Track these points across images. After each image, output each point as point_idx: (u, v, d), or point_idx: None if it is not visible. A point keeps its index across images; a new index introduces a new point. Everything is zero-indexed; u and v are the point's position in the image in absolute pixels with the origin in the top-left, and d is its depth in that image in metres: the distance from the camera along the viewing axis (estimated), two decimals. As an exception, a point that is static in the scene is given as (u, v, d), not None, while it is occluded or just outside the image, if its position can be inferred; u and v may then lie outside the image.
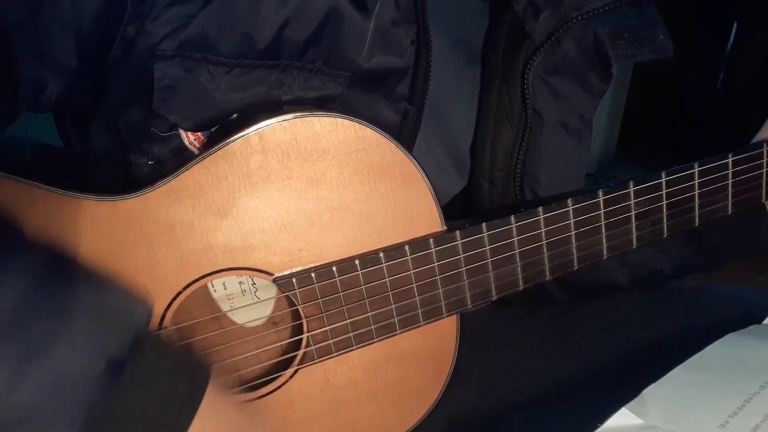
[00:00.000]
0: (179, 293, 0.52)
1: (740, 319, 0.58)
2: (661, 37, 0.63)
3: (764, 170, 0.67)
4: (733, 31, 1.96)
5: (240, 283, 0.57)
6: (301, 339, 0.56)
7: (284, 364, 0.57)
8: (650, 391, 0.48)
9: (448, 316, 0.59)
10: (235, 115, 0.53)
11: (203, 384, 0.44)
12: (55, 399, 0.38)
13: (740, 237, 0.72)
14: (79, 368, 0.39)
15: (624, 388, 0.48)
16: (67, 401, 0.38)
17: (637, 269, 0.71)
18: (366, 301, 0.55)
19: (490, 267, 0.58)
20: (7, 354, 0.37)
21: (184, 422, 0.42)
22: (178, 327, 0.55)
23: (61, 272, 0.42)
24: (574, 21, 0.60)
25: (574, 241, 0.60)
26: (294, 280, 0.53)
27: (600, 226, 0.61)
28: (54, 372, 0.38)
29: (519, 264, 0.59)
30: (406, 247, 0.55)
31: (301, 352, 0.56)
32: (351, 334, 0.56)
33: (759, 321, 0.59)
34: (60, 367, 0.38)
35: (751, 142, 0.69)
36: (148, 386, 0.42)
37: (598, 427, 0.45)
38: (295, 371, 0.56)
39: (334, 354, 0.56)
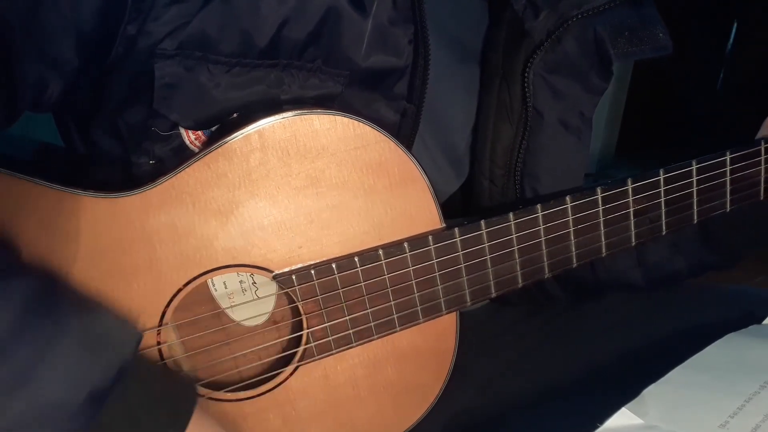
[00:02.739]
0: (179, 290, 0.52)
1: (740, 319, 0.58)
2: (660, 35, 0.63)
3: (762, 167, 0.67)
4: (733, 31, 1.96)
5: (240, 281, 0.57)
6: (300, 336, 0.56)
7: (284, 362, 0.57)
8: (650, 391, 0.48)
9: (447, 313, 0.59)
10: (235, 114, 0.53)
11: (188, 414, 0.45)
12: (36, 426, 0.39)
13: (755, 234, 0.72)
14: (61, 398, 0.40)
15: (624, 388, 0.48)
16: (46, 429, 0.39)
17: (654, 269, 0.71)
18: (365, 298, 0.55)
19: (489, 264, 0.58)
20: None
21: None
22: (177, 324, 0.55)
23: (51, 298, 0.43)
24: (574, 20, 0.60)
25: (572, 238, 0.60)
26: (294, 277, 0.53)
27: (598, 223, 0.61)
28: (36, 400, 0.39)
29: (518, 261, 0.59)
30: (405, 245, 0.55)
31: (300, 349, 0.56)
32: (351, 331, 0.56)
33: (759, 321, 0.59)
34: (42, 397, 0.39)
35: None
36: (132, 417, 0.43)
37: (598, 427, 0.45)
38: (295, 368, 0.57)
39: (334, 351, 0.56)
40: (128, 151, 0.53)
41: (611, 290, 0.73)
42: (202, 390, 0.55)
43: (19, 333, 0.39)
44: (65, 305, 0.43)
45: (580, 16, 0.60)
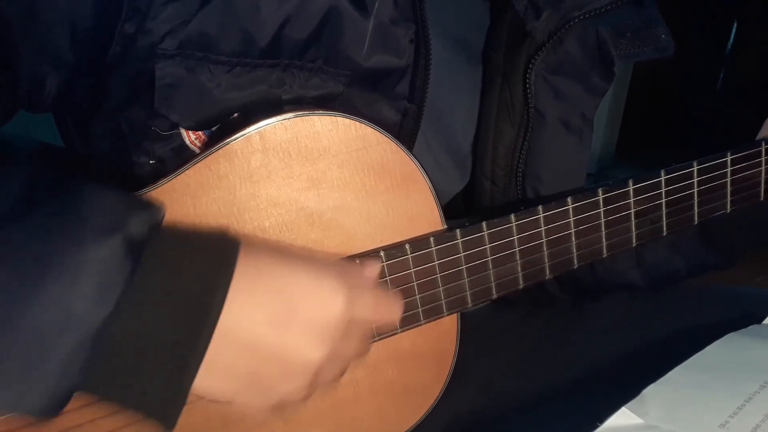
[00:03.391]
0: (180, 292, 0.52)
1: (740, 319, 0.58)
2: (662, 36, 0.63)
3: (763, 168, 0.67)
4: (733, 31, 1.96)
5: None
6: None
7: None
8: (650, 391, 0.48)
9: (448, 314, 0.59)
10: (236, 114, 0.53)
11: (233, 256, 0.42)
12: (82, 280, 0.37)
13: (754, 234, 0.73)
14: (102, 252, 0.37)
15: (624, 388, 0.48)
16: (93, 282, 0.37)
17: (653, 269, 0.71)
18: (366, 300, 0.55)
19: (491, 265, 0.58)
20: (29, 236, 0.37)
21: (218, 302, 0.40)
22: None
23: (59, 173, 0.41)
24: (576, 20, 0.60)
25: (573, 239, 0.60)
26: (294, 278, 0.53)
27: (600, 224, 0.61)
28: (77, 255, 0.37)
29: (519, 262, 0.59)
30: (407, 246, 0.55)
31: (301, 351, 0.56)
32: (351, 333, 0.56)
33: (759, 321, 0.59)
34: (79, 249, 0.37)
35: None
36: (174, 265, 0.40)
37: (598, 427, 0.45)
38: (296, 370, 0.57)
39: (335, 353, 0.56)
40: (128, 150, 0.53)
41: (611, 290, 0.74)
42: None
43: (37, 194, 0.38)
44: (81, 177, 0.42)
45: (582, 17, 0.60)
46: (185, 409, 0.41)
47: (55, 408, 0.38)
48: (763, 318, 0.60)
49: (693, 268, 0.73)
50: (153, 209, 0.41)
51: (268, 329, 0.42)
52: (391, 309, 0.50)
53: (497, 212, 0.58)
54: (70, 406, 0.39)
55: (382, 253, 0.54)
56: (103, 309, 0.37)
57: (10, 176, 0.39)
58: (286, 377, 0.44)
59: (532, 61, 0.61)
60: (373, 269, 0.50)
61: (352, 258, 0.54)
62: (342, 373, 0.49)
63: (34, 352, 0.36)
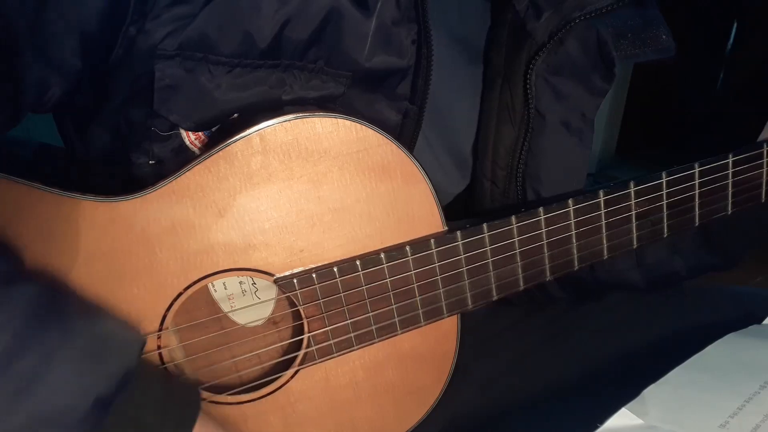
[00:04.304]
0: (180, 294, 0.52)
1: (740, 319, 0.58)
2: (663, 36, 0.63)
3: (764, 170, 0.67)
4: (733, 31, 1.96)
5: (240, 283, 0.57)
6: (301, 339, 0.56)
7: (285, 365, 0.57)
8: (650, 391, 0.48)
9: (448, 316, 0.59)
10: (236, 115, 0.53)
11: (192, 418, 0.45)
12: None
13: (754, 235, 0.73)
14: (67, 405, 0.40)
15: (624, 388, 0.48)
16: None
17: (653, 270, 0.71)
18: (367, 301, 0.55)
19: (491, 267, 0.58)
20: None
21: None
22: (178, 328, 0.55)
23: (54, 304, 0.43)
24: (577, 21, 0.60)
25: (574, 241, 0.60)
26: (295, 280, 0.53)
27: (600, 226, 0.61)
28: (42, 407, 0.39)
29: (519, 264, 0.59)
30: (407, 248, 0.55)
31: (301, 353, 0.56)
32: (352, 335, 0.56)
33: (759, 321, 0.59)
34: (48, 404, 0.39)
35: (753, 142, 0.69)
36: (138, 422, 0.43)
37: (598, 427, 0.45)
38: (296, 372, 0.57)
39: (335, 354, 0.56)
40: (128, 151, 0.53)
41: (611, 291, 0.73)
42: (203, 393, 0.55)
43: (24, 340, 0.39)
44: (69, 311, 0.43)
45: (582, 18, 0.60)
46: None
47: None
48: (763, 318, 0.60)
49: (693, 269, 0.73)
50: (129, 357, 0.44)
51: None
52: None
53: (498, 214, 0.58)
54: None
55: (382, 255, 0.54)
56: None
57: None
58: None
59: (533, 61, 0.61)
60: None
61: (353, 260, 0.54)
62: None
63: None
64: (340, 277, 0.54)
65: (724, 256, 0.73)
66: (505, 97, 0.63)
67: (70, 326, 0.42)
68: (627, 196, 0.61)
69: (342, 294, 0.54)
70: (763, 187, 0.68)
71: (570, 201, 0.59)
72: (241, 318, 0.58)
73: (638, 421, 0.46)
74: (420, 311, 0.57)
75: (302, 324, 0.55)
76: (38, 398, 0.39)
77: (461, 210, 0.69)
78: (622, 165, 2.02)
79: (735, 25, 1.96)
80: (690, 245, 0.71)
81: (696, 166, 0.63)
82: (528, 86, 0.61)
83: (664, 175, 0.62)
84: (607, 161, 2.01)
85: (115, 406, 0.41)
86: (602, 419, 0.46)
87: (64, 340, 0.41)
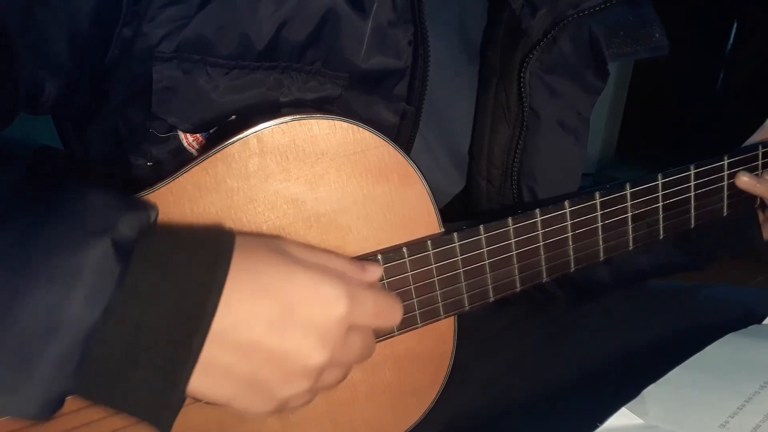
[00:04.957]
0: (178, 295, 0.52)
1: (740, 319, 0.58)
2: (656, 35, 0.63)
3: (759, 172, 0.67)
4: (733, 31, 1.96)
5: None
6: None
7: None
8: (650, 391, 0.48)
9: (445, 317, 0.59)
10: (233, 117, 0.53)
11: (226, 260, 0.41)
12: (69, 284, 0.36)
13: (729, 237, 0.73)
14: (90, 256, 0.37)
15: (624, 388, 0.47)
16: (80, 286, 0.37)
17: (621, 267, 0.71)
18: (364, 302, 0.55)
19: (488, 269, 0.58)
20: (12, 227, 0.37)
21: (213, 302, 0.39)
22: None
23: (49, 174, 0.41)
24: (570, 19, 0.60)
25: (571, 243, 0.60)
26: (292, 281, 0.53)
27: (597, 228, 0.61)
28: (62, 260, 0.37)
29: (516, 266, 0.59)
30: (404, 249, 0.55)
31: (299, 354, 0.56)
32: (349, 336, 0.56)
33: (759, 321, 0.59)
34: (67, 251, 0.37)
35: (746, 144, 0.69)
36: (164, 266, 0.39)
37: (598, 427, 0.45)
38: (294, 373, 0.56)
39: (333, 355, 0.56)
40: (126, 152, 0.53)
41: (582, 288, 0.73)
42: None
43: (22, 196, 0.38)
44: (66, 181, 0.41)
45: (575, 16, 0.60)
46: (181, 411, 0.40)
47: (48, 411, 0.38)
48: (763, 318, 0.59)
49: (661, 267, 0.73)
50: (143, 210, 0.40)
51: (268, 331, 0.41)
52: (392, 313, 0.48)
53: (494, 216, 0.58)
54: (66, 408, 0.39)
55: (379, 257, 0.54)
56: (92, 313, 0.37)
57: None
58: (287, 381, 0.43)
59: (527, 59, 0.61)
60: (374, 272, 0.49)
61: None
62: (344, 377, 0.49)
63: (24, 357, 0.36)
64: (337, 278, 0.54)
65: (696, 256, 0.73)
66: (500, 96, 0.63)
67: (72, 186, 0.40)
68: (623, 198, 0.61)
69: (339, 295, 0.54)
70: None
71: (566, 202, 0.59)
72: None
73: (638, 421, 0.46)
74: (417, 312, 0.57)
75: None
76: (57, 248, 0.37)
77: (460, 210, 0.69)
78: (622, 165, 2.02)
79: (735, 25, 1.96)
80: (661, 244, 0.70)
81: (692, 167, 0.63)
82: (522, 84, 0.61)
83: (660, 177, 0.62)
84: (606, 161, 2.02)
85: (138, 252, 0.39)
86: (602, 419, 0.45)
87: (71, 190, 0.39)
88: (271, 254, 0.44)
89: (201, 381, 0.40)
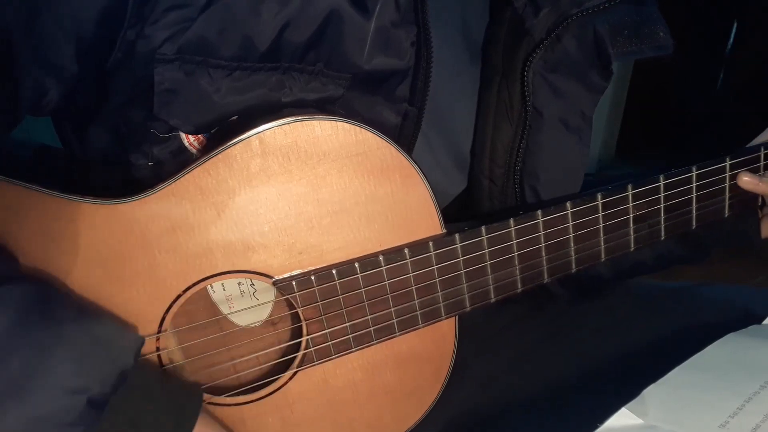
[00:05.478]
0: (179, 296, 0.52)
1: (740, 319, 0.58)
2: (661, 34, 0.63)
3: (761, 173, 0.67)
4: (733, 31, 1.96)
5: (239, 284, 0.57)
6: (300, 341, 0.56)
7: (283, 366, 0.57)
8: (650, 391, 0.48)
9: (446, 318, 0.59)
10: (235, 117, 0.53)
11: (192, 419, 0.45)
12: None
13: (726, 232, 0.72)
14: (58, 407, 0.40)
15: (624, 388, 0.47)
16: None
17: (619, 260, 0.71)
18: (365, 303, 0.55)
19: (489, 270, 0.58)
20: None
21: None
22: (177, 330, 0.55)
23: (48, 305, 0.43)
24: (574, 18, 0.60)
25: (572, 244, 0.60)
26: (294, 283, 0.53)
27: (598, 229, 0.61)
28: (31, 410, 0.39)
29: (517, 267, 0.59)
30: (406, 250, 0.55)
31: (300, 354, 0.56)
32: (350, 336, 0.56)
33: (759, 321, 0.59)
34: (37, 407, 0.39)
35: (749, 145, 0.69)
36: (135, 423, 0.43)
37: (598, 427, 0.45)
38: (294, 373, 0.57)
39: (334, 356, 0.57)
40: (127, 152, 0.53)
41: (581, 282, 0.73)
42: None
43: (13, 341, 0.39)
44: (62, 312, 0.43)
45: (579, 15, 0.60)
46: None
47: None
48: (763, 318, 0.59)
49: (659, 260, 0.73)
50: (124, 357, 0.44)
51: None
52: None
53: (496, 217, 0.58)
54: None
55: (381, 258, 0.54)
56: None
57: None
58: None
59: (530, 58, 0.61)
60: None
61: (351, 262, 0.54)
62: None
63: None
64: (338, 279, 0.54)
65: (695, 248, 0.73)
66: (503, 95, 0.63)
67: (62, 328, 0.42)
68: (625, 199, 0.61)
69: (341, 296, 0.55)
70: (761, 190, 0.68)
71: (568, 204, 0.59)
72: (240, 320, 0.58)
73: (638, 421, 0.46)
74: (418, 313, 0.57)
75: (301, 326, 0.55)
76: (26, 402, 0.39)
77: (461, 211, 0.69)
78: (622, 165, 2.02)
79: (735, 25, 1.96)
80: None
81: (694, 169, 0.63)
82: (525, 83, 0.61)
83: (661, 179, 0.62)
84: (607, 161, 2.01)
85: (111, 406, 0.41)
86: (602, 419, 0.45)
87: (55, 342, 0.41)
88: None
89: None
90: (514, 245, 0.58)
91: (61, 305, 0.45)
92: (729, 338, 0.55)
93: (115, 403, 0.42)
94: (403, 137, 0.58)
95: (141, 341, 0.45)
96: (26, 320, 0.40)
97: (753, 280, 1.53)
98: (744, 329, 0.57)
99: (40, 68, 0.48)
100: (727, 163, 0.64)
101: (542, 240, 0.59)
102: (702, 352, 0.53)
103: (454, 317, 0.60)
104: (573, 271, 0.62)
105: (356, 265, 0.54)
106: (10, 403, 0.39)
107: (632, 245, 0.63)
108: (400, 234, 0.55)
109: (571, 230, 0.60)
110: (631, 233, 0.62)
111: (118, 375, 0.42)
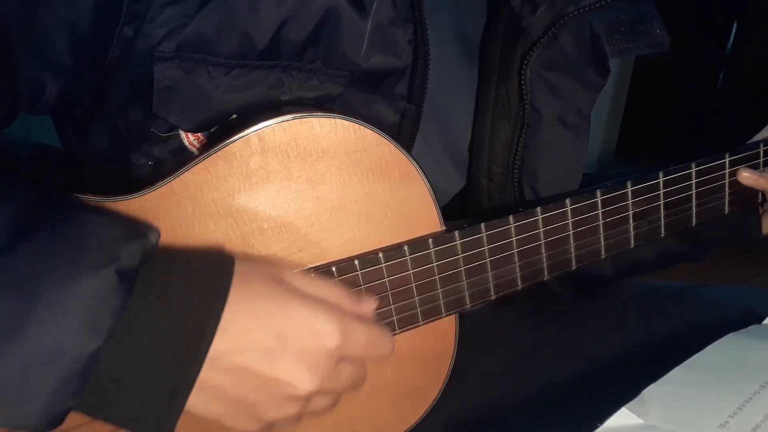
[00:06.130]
0: (179, 294, 0.52)
1: (740, 319, 0.58)
2: (657, 31, 0.63)
3: (761, 170, 0.67)
4: (733, 31, 1.96)
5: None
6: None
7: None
8: (650, 391, 0.48)
9: (447, 315, 0.59)
10: (234, 116, 0.53)
11: (224, 292, 0.43)
12: (71, 314, 0.38)
13: (726, 229, 0.73)
14: (93, 285, 0.39)
15: (624, 388, 0.48)
16: (82, 316, 0.38)
17: (621, 258, 0.71)
18: (365, 301, 0.55)
19: (489, 267, 0.58)
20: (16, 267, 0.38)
21: (211, 327, 0.41)
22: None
23: (55, 197, 0.43)
24: (571, 16, 0.60)
25: (572, 241, 0.60)
26: (293, 280, 0.53)
27: (598, 226, 0.61)
28: (62, 287, 0.38)
29: (517, 264, 0.59)
30: (405, 247, 0.55)
31: (300, 352, 0.56)
32: (350, 334, 0.56)
33: (759, 321, 0.59)
34: (71, 282, 0.38)
35: (749, 142, 0.69)
36: (164, 298, 0.41)
37: (598, 427, 0.45)
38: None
39: (334, 354, 0.56)
40: (127, 152, 0.53)
41: (581, 280, 0.73)
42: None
43: (37, 216, 0.39)
44: (80, 203, 0.43)
45: (576, 13, 0.60)
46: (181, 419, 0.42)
47: (48, 427, 0.39)
48: (763, 318, 0.59)
49: (660, 257, 0.73)
50: (146, 237, 0.42)
51: (260, 358, 0.44)
52: (382, 345, 0.51)
53: (495, 214, 0.58)
54: (68, 424, 0.40)
55: (380, 255, 0.54)
56: (94, 341, 0.38)
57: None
58: (275, 405, 0.45)
59: (527, 57, 0.61)
60: (368, 305, 0.51)
61: (351, 259, 0.54)
62: (334, 404, 0.50)
63: (25, 383, 0.37)
64: (338, 276, 0.54)
65: (695, 246, 0.73)
66: (501, 93, 0.63)
67: (86, 213, 0.41)
68: (624, 196, 0.61)
69: (340, 294, 0.54)
70: (760, 186, 0.68)
71: (567, 201, 0.59)
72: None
73: (638, 421, 0.46)
74: (418, 310, 0.57)
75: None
76: (62, 275, 0.38)
77: (460, 209, 0.69)
78: (621, 165, 2.02)
79: (735, 24, 1.96)
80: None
81: (693, 165, 0.63)
82: (522, 82, 0.61)
83: (661, 175, 0.62)
84: (606, 161, 2.02)
85: (140, 282, 0.40)
86: (602, 419, 0.45)
87: (82, 212, 0.40)
88: (269, 285, 0.46)
89: (194, 399, 0.42)
90: (514, 242, 0.58)
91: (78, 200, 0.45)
92: (729, 338, 0.55)
93: (142, 277, 0.41)
94: (402, 135, 0.58)
95: (157, 234, 0.43)
96: (44, 200, 0.40)
97: (753, 280, 1.53)
98: (744, 329, 0.57)
99: (37, 62, 0.48)
100: (727, 160, 0.65)
101: (542, 237, 0.59)
102: (702, 352, 0.53)
103: (454, 315, 0.59)
104: (573, 268, 0.62)
105: (356, 262, 0.54)
106: (42, 282, 0.38)
107: (632, 242, 0.63)
108: (400, 231, 0.55)
109: (570, 227, 0.60)
110: (631, 230, 0.63)
111: (143, 252, 0.41)
